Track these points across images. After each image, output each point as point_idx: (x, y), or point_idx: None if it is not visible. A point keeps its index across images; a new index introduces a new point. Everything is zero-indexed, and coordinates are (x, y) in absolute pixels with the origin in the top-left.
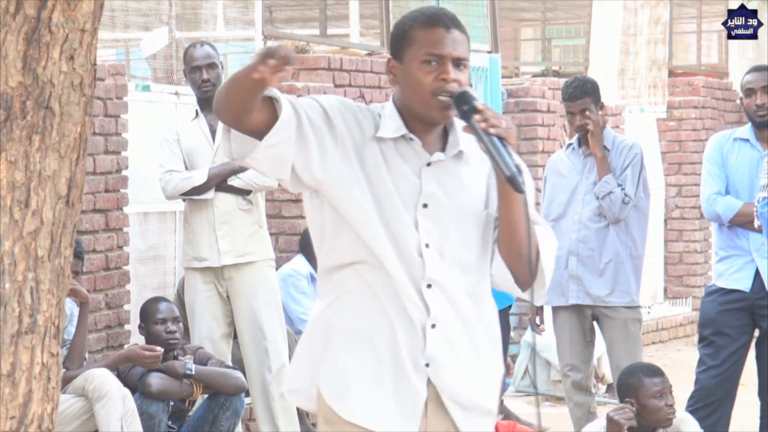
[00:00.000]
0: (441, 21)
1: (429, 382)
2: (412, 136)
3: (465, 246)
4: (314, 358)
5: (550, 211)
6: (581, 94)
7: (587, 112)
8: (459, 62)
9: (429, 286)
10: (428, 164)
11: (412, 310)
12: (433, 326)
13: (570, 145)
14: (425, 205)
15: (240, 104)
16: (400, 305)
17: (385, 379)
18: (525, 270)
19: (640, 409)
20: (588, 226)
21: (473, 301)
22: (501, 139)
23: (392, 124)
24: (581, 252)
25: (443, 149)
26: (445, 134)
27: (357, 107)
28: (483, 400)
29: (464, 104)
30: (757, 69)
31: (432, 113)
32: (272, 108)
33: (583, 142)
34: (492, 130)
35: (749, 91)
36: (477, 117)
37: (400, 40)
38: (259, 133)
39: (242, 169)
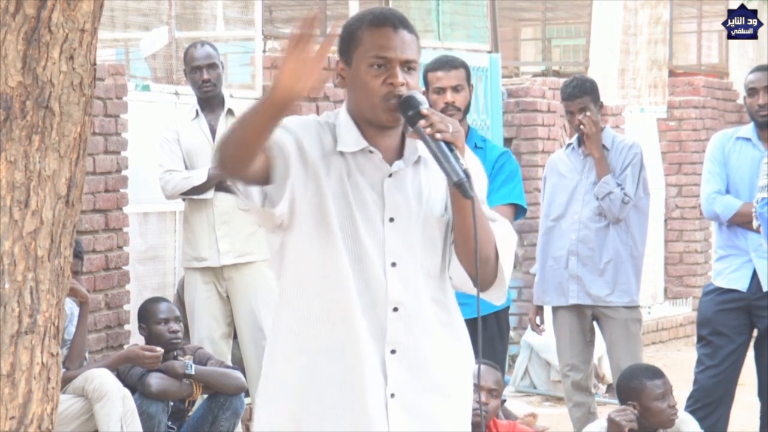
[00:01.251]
0: (388, 21)
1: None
2: (372, 149)
3: (431, 253)
4: (295, 400)
5: (550, 211)
6: (580, 92)
7: (587, 112)
8: (407, 64)
9: (395, 309)
10: (390, 175)
11: (370, 344)
12: (393, 352)
13: (570, 144)
14: (392, 219)
15: (254, 140)
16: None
17: (355, 408)
18: (483, 272)
19: (643, 412)
20: (588, 225)
21: (440, 307)
22: (448, 143)
23: (350, 137)
24: (581, 252)
25: (401, 155)
26: (403, 139)
27: (316, 123)
28: (452, 424)
29: (409, 109)
30: (760, 69)
31: (381, 116)
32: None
33: (582, 141)
34: (438, 135)
35: (752, 91)
36: (422, 122)
37: (347, 40)
38: (258, 174)
39: None
